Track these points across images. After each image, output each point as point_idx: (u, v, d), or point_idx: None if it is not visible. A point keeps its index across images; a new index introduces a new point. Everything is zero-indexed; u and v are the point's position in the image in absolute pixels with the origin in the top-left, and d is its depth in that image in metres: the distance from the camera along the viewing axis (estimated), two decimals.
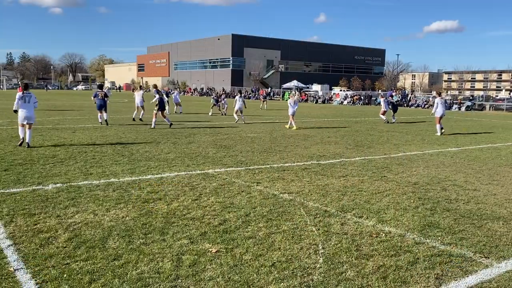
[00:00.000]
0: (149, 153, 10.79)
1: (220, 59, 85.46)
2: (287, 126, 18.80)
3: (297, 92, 25.71)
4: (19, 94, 11.44)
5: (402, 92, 59.04)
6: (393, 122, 23.16)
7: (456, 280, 3.95)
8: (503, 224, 5.69)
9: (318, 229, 5.25)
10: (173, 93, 30.06)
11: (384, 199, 6.80)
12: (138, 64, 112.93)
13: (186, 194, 6.81)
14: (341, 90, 65.90)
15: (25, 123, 11.30)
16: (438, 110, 17.29)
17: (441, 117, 17.44)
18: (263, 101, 38.20)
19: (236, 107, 21.03)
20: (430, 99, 50.36)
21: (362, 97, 55.45)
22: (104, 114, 18.10)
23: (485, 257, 4.51)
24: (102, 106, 18.02)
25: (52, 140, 12.55)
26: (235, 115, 21.42)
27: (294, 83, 69.69)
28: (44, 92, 72.37)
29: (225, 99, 28.23)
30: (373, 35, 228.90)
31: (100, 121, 18.13)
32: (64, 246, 4.49)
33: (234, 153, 11.19)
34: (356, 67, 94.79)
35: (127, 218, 5.49)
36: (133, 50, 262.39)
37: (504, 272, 4.16)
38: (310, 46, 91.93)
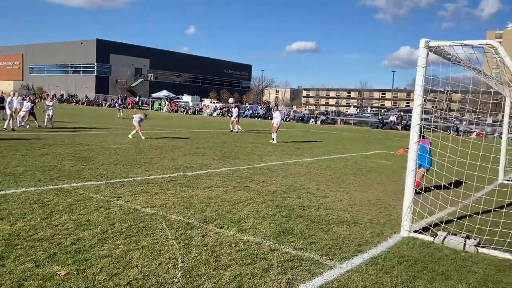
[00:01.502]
0: None
1: (84, 64, 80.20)
2: (130, 136, 18.31)
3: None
4: None
5: (266, 106, 62.44)
6: (237, 132, 24.99)
7: (304, 283, 4.28)
8: (346, 227, 6.36)
9: (179, 243, 5.21)
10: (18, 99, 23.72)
11: (245, 208, 7.07)
12: None
13: (34, 212, 6.16)
14: (211, 102, 67.02)
15: None
16: (275, 121, 20.18)
17: (278, 127, 20.04)
18: (119, 109, 36.73)
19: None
20: (291, 112, 54.19)
21: (230, 110, 57.16)
22: None
23: (330, 259, 4.98)
24: None
25: None
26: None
27: (164, 93, 68.71)
28: None
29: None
30: (241, 51, 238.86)
31: None
32: None
33: (94, 165, 10.52)
34: (225, 80, 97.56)
35: None
36: None
37: (345, 272, 4.64)
38: (180, 57, 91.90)
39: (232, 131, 25.33)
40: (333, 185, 9.77)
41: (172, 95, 69.73)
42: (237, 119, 25.84)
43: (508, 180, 11.55)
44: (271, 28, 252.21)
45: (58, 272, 4.13)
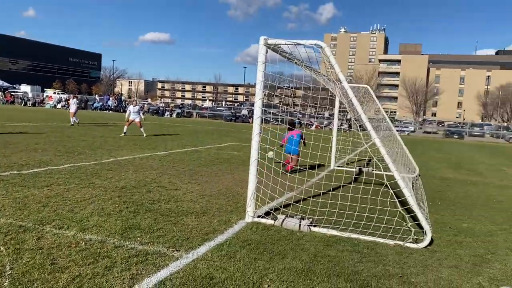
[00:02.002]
0: None
1: None
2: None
3: None
4: None
5: (118, 97, 59.59)
6: (72, 124, 23.75)
7: (149, 276, 4.25)
8: (195, 218, 6.49)
9: (8, 248, 4.67)
10: None
11: (89, 206, 6.67)
12: None
13: None
14: (54, 93, 61.14)
15: None
16: (129, 114, 20.08)
17: (132, 121, 19.81)
18: None
19: None
20: (145, 105, 52.77)
21: (78, 101, 53.00)
22: None
23: (177, 250, 5.02)
24: None
25: None
26: None
27: None
28: None
29: None
30: (90, 39, 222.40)
31: None
32: None
33: None
34: (72, 70, 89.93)
35: None
36: None
37: (191, 261, 4.74)
38: (17, 42, 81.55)
39: (72, 124, 23.55)
40: (186, 178, 9.84)
41: (6, 84, 61.57)
42: (75, 111, 24.46)
43: (339, 167, 13.15)
44: (123, 16, 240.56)
45: None
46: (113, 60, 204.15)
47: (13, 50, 77.84)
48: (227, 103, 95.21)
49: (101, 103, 54.55)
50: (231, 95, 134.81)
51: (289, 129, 11.41)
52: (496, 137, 48.13)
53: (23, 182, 8.13)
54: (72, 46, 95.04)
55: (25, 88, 61.55)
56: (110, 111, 51.12)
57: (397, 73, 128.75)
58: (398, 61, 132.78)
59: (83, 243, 5.03)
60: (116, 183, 8.66)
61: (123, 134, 19.36)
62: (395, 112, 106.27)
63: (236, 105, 75.57)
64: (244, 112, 52.45)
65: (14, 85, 63.15)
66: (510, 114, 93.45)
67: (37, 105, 52.77)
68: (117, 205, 6.87)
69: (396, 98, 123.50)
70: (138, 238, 5.35)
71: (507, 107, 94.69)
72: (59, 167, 10.06)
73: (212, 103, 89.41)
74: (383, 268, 4.99)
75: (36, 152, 12.23)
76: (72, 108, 24.61)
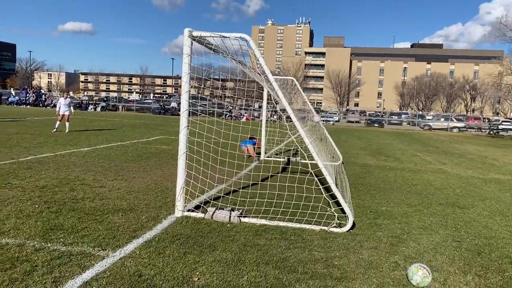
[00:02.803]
0: None
1: None
2: None
3: None
4: None
5: (36, 90, 55.77)
6: None
7: (73, 278, 4.09)
8: (122, 215, 6.32)
9: None
10: None
11: (5, 209, 6.23)
12: None
13: None
14: None
15: None
16: (60, 108, 19.16)
17: (63, 115, 19.00)
18: None
19: None
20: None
21: None
22: None
23: (103, 250, 4.87)
24: None
25: None
26: None
27: None
28: None
29: None
30: (2, 27, 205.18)
31: None
32: None
33: None
34: None
35: None
36: None
37: (118, 259, 4.62)
38: None
39: None
40: (111, 174, 9.51)
41: None
42: None
43: (268, 157, 13.43)
44: (41, 3, 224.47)
45: None
46: (30, 51, 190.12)
47: None
48: (155, 95, 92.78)
49: (17, 97, 50.69)
50: (159, 87, 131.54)
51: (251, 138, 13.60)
52: (412, 125, 51.73)
53: None
54: None
55: None
56: (28, 106, 47.71)
57: (322, 65, 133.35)
58: (323, 54, 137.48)
59: None
60: (36, 182, 8.16)
61: (55, 130, 18.20)
62: (321, 103, 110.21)
63: (165, 97, 73.94)
64: (174, 104, 51.46)
65: None
66: (424, 103, 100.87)
67: None
68: (37, 206, 6.49)
69: (321, 89, 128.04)
70: (61, 239, 5.11)
71: (422, 97, 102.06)
72: None
73: (139, 96, 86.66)
74: (309, 253, 5.22)
75: None
76: None
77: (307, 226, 6.21)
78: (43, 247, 4.82)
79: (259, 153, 13.50)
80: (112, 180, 8.84)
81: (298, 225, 6.22)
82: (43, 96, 53.15)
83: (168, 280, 4.21)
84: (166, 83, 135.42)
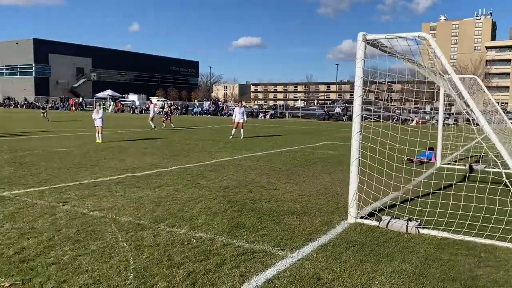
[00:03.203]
0: None
1: (20, 65, 75.87)
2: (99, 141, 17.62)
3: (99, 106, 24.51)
4: None
5: (215, 101, 62.20)
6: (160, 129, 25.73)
7: (257, 274, 4.37)
8: (296, 218, 6.53)
9: (130, 244, 5.13)
10: None
11: (196, 206, 7.06)
12: None
13: None
14: (158, 100, 65.75)
15: None
16: (235, 117, 20.49)
17: (238, 123, 20.23)
18: (43, 112, 33.83)
19: None
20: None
21: (179, 107, 56.45)
22: None
23: (282, 250, 5.10)
24: None
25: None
26: None
27: (108, 92, 66.57)
28: None
29: None
30: (187, 48, 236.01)
31: None
32: None
33: (37, 171, 10.07)
34: (172, 78, 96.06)
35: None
36: None
37: (296, 260, 4.78)
38: (124, 55, 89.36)
39: (154, 128, 25.19)
40: (283, 178, 9.95)
41: (117, 94, 67.75)
42: (153, 116, 27.05)
43: (447, 164, 12.30)
44: (218, 22, 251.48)
45: (2, 284, 3.96)
46: (210, 67, 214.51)
47: (121, 63, 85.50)
48: (319, 102, 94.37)
49: (199, 108, 57.46)
50: (323, 94, 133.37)
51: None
52: None
53: (138, 183, 8.87)
54: (171, 56, 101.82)
55: (132, 97, 67.23)
56: (209, 115, 53.59)
57: (509, 60, 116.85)
58: (509, 47, 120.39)
59: (194, 240, 5.34)
60: (219, 183, 9.06)
61: (231, 137, 20.03)
62: (506, 103, 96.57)
63: (328, 103, 74.65)
64: (338, 110, 51.53)
65: (123, 95, 69.34)
66: None
67: (143, 112, 57.25)
68: (222, 205, 7.17)
69: (507, 87, 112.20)
70: (244, 237, 5.53)
71: None
72: (167, 169, 10.80)
73: (304, 103, 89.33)
74: (505, 273, 4.56)
75: (146, 156, 13.26)
76: (151, 114, 27.28)
77: (501, 243, 5.45)
78: (229, 243, 5.28)
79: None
80: (284, 183, 9.24)
81: (489, 241, 5.51)
82: (220, 106, 59.03)
83: (346, 286, 4.16)
84: (329, 89, 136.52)
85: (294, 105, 74.08)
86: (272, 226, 6.05)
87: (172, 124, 27.64)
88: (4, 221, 5.95)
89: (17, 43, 75.14)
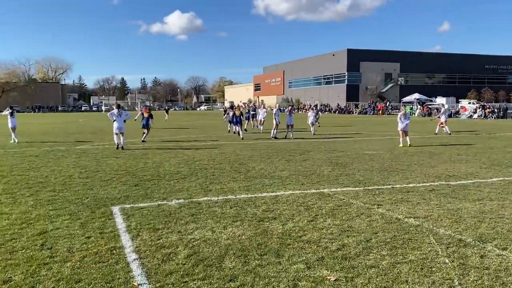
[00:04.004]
0: (264, 170, 10.84)
1: (335, 74, 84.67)
2: (401, 145, 17.27)
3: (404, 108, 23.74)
4: (113, 111, 15.91)
5: None
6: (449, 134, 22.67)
7: None
8: None
9: (452, 261, 4.59)
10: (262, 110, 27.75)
11: None
12: (255, 84, 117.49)
13: (301, 214, 6.58)
14: (469, 103, 60.28)
15: (118, 132, 15.60)
16: None
17: None
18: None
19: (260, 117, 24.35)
20: None
21: (495, 110, 49.96)
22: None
23: None
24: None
25: (177, 157, 13.39)
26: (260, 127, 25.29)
27: (415, 96, 65.79)
28: (172, 113, 79.17)
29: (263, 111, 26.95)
30: (507, 41, 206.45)
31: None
32: (184, 263, 4.57)
33: (350, 171, 10.69)
34: (487, 78, 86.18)
35: (243, 237, 5.45)
36: (250, 71, 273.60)
37: None
38: (432, 57, 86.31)
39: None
40: None
41: (424, 97, 66.08)
42: (262, 119, 25.83)
43: None
44: None
45: (328, 277, 4.19)
46: None
47: (429, 65, 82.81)
48: None
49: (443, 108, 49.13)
50: None
51: None
52: None
53: (453, 193, 8.09)
54: (486, 53, 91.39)
55: (440, 100, 64.05)
56: None
57: None
58: None
59: None
60: None
61: None
62: None
63: None
64: None
65: (431, 98, 66.95)
66: None
67: (452, 116, 53.66)
68: None
69: None
70: None
71: None
72: (487, 180, 9.47)
73: None
74: None
75: (460, 163, 12.10)
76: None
77: None
78: None
79: None
80: None
81: None
82: None
83: None
84: None
85: None
86: None
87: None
88: (326, 216, 6.45)
89: (333, 55, 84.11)
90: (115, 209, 6.86)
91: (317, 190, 8.38)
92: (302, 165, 11.80)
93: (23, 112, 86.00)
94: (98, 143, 17.92)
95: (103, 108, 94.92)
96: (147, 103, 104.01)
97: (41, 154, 14.35)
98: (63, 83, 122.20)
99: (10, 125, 18.78)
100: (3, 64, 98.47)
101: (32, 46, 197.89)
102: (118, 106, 16.40)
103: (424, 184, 9.02)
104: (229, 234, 5.55)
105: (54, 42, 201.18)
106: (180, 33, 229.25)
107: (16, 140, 18.34)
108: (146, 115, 18.46)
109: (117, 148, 15.53)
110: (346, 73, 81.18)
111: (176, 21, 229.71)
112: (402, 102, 66.15)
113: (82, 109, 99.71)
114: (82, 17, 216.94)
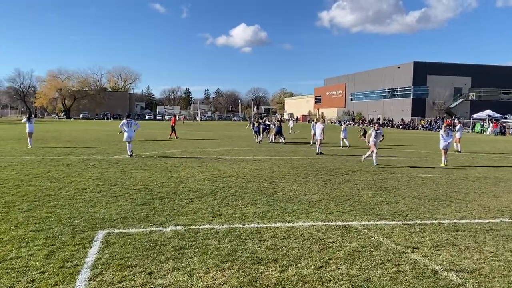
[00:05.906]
0: (293, 192, 9.62)
1: (400, 88, 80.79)
2: (443, 164, 15.45)
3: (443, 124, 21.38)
4: (124, 121, 16.15)
5: None
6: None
7: None
8: None
9: None
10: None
11: None
12: (315, 96, 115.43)
13: (311, 256, 5.33)
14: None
15: (129, 140, 15.92)
16: None
17: None
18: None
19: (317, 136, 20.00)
20: None
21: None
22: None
23: None
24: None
25: (207, 172, 12.51)
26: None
27: (487, 112, 60.84)
28: (230, 123, 79.58)
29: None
30: None
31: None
32: None
33: (394, 198, 9.17)
34: None
35: (223, 287, 4.32)
36: (311, 83, 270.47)
37: None
38: (509, 71, 79.80)
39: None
40: None
41: (497, 114, 60.84)
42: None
43: None
44: None
45: None
46: None
47: (505, 80, 76.49)
48: None
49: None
50: None
51: None
52: None
53: None
54: None
55: None
56: None
57: None
58: None
59: None
60: None
61: None
62: None
63: None
64: None
65: (505, 116, 61.52)
66: None
67: None
68: None
69: None
70: None
71: None
72: None
73: None
74: None
75: None
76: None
77: None
78: None
79: None
80: None
81: None
82: None
83: None
84: None
85: None
86: None
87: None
88: (341, 262, 5.15)
89: (399, 67, 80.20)
90: (100, 234, 6.02)
91: (345, 223, 7.04)
92: (340, 187, 10.41)
93: (92, 119, 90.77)
94: (136, 154, 17.53)
95: (166, 117, 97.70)
96: (175, 112, 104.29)
97: (74, 162, 14.13)
98: (132, 92, 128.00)
99: (27, 130, 19.46)
100: (76, 73, 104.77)
101: (104, 56, 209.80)
102: (128, 116, 16.74)
103: (480, 220, 7.36)
104: (206, 282, 4.44)
105: (124, 54, 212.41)
106: (245, 45, 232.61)
107: (30, 146, 18.93)
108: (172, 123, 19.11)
109: (131, 156, 15.93)
110: (412, 87, 77.14)
111: (241, 33, 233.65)
112: (472, 119, 61.44)
113: (146, 118, 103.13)
114: (153, 30, 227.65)
